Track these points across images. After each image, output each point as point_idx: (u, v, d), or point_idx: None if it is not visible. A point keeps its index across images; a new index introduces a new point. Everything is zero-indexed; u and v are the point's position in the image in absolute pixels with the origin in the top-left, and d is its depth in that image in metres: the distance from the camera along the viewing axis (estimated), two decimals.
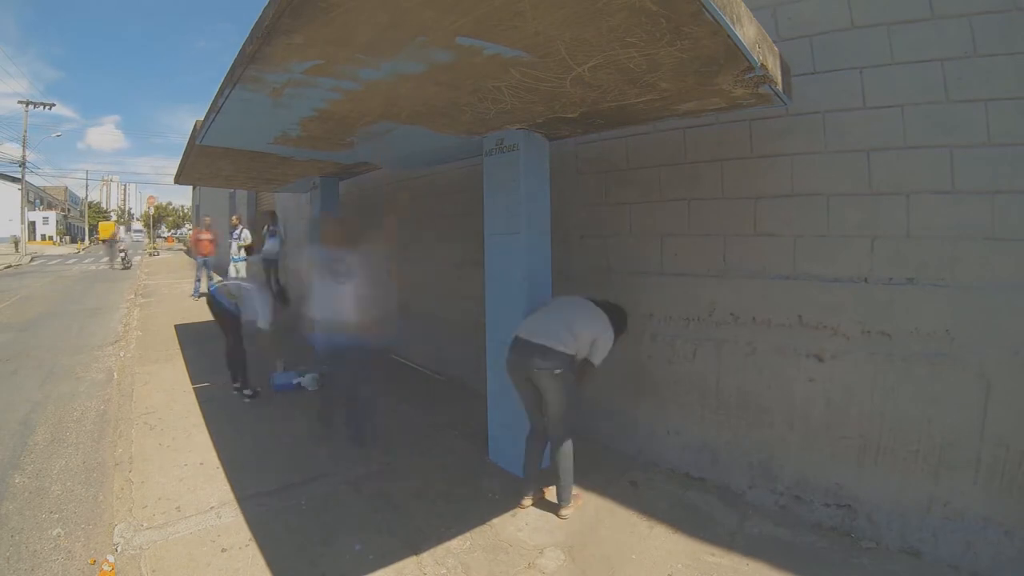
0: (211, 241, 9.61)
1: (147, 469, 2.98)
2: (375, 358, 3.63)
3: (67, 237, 44.54)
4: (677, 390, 3.03)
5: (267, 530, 2.40)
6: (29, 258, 21.99)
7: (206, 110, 2.62)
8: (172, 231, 55.42)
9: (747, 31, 1.70)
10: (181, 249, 31.83)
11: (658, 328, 3.10)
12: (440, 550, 2.28)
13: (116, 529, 2.40)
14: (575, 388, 2.45)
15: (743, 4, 1.68)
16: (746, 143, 2.73)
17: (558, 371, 2.34)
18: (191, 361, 5.26)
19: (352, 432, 3.40)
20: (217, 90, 2.31)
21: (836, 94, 2.45)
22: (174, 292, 10.91)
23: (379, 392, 4.27)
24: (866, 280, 2.39)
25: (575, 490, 2.57)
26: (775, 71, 1.98)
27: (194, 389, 4.40)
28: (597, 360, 2.49)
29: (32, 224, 35.40)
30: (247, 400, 4.14)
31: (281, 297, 4.37)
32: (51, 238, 39.87)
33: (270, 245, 8.32)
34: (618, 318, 2.61)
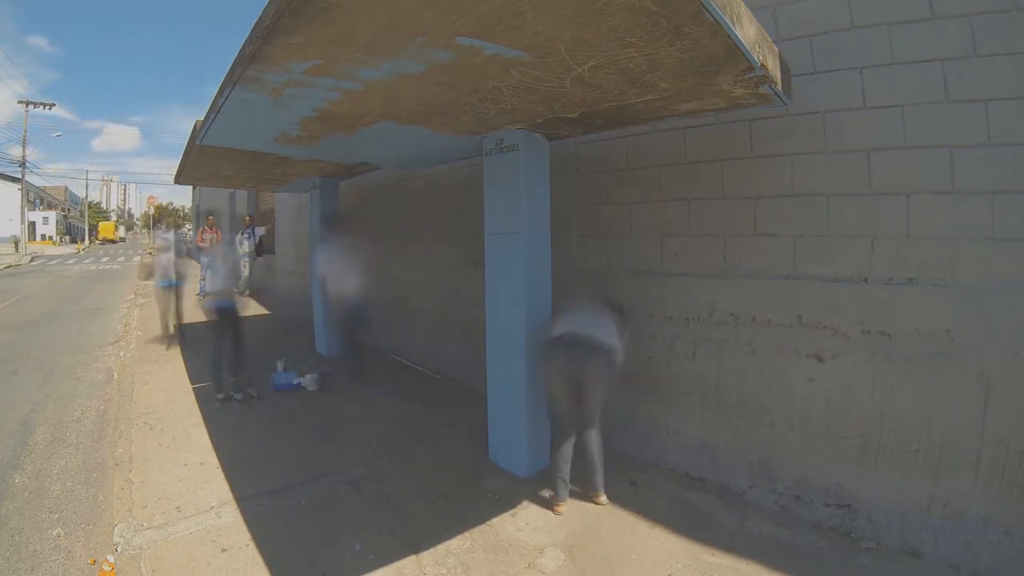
0: (215, 241, 9.70)
1: (147, 469, 2.98)
2: (374, 358, 3.68)
3: (67, 237, 44.54)
4: (677, 390, 3.03)
5: (267, 530, 2.40)
6: (29, 258, 22.00)
7: (206, 110, 2.63)
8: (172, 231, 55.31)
9: (747, 31, 1.70)
10: None
11: (658, 328, 3.10)
12: (440, 550, 2.28)
13: (116, 529, 2.40)
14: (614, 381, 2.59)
15: (743, 4, 1.68)
16: (746, 143, 2.73)
17: (614, 359, 2.47)
18: (191, 361, 5.26)
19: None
20: (217, 90, 2.31)
21: (836, 94, 2.45)
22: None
23: (379, 392, 4.28)
24: (866, 280, 2.39)
25: (571, 486, 2.64)
26: (775, 71, 1.98)
27: (194, 389, 4.40)
28: (622, 356, 2.58)
29: (32, 224, 35.40)
30: (237, 404, 4.08)
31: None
32: (51, 238, 39.87)
33: (247, 246, 9.75)
34: (626, 315, 2.76)
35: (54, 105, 27.08)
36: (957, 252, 2.19)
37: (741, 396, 2.77)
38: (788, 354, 2.60)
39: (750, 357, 2.74)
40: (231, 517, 2.51)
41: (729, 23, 1.57)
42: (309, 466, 3.03)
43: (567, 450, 2.59)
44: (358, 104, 2.41)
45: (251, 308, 8.42)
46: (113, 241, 46.61)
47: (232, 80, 2.06)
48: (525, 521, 2.50)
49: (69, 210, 50.92)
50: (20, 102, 26.14)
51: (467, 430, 3.54)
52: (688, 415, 2.98)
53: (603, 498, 2.64)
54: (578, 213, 3.53)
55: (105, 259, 23.75)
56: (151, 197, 36.81)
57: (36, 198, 41.13)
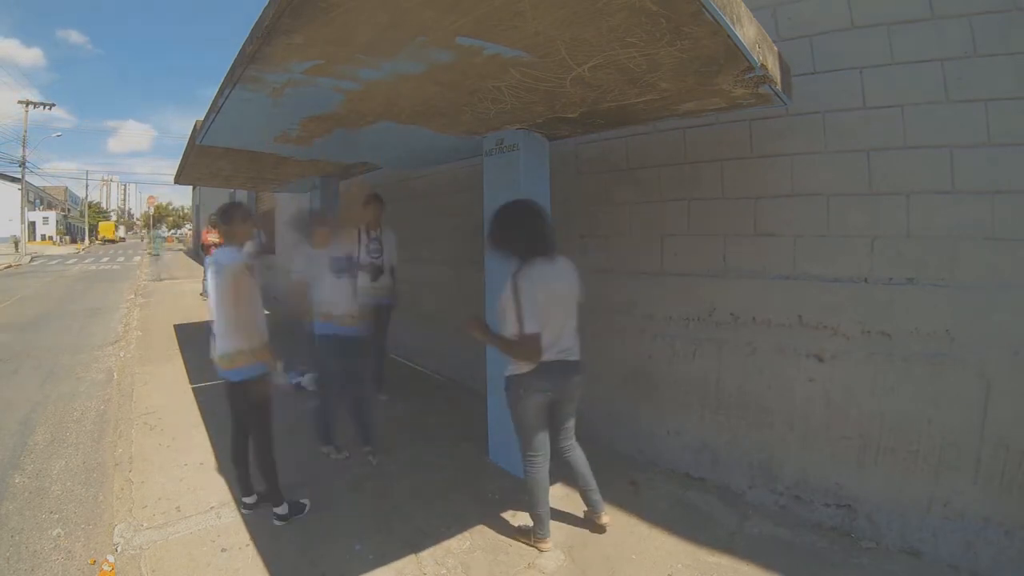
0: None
1: (147, 469, 2.98)
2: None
3: (67, 237, 44.57)
4: (677, 390, 3.03)
5: (267, 530, 2.40)
6: (29, 258, 22.01)
7: (206, 110, 2.63)
8: (172, 231, 55.46)
9: (747, 31, 1.70)
10: (180, 249, 31.86)
11: (658, 328, 3.10)
12: (440, 550, 2.28)
13: (116, 529, 2.40)
14: None
15: (743, 4, 1.68)
16: (746, 143, 2.73)
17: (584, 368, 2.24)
18: (191, 361, 5.25)
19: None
20: (217, 90, 2.31)
21: (836, 94, 2.45)
22: (173, 292, 10.92)
23: (379, 392, 4.27)
24: (866, 280, 2.39)
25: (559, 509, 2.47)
26: (775, 71, 1.98)
27: (194, 389, 4.40)
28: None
29: (32, 224, 35.44)
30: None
31: None
32: (51, 238, 39.92)
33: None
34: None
35: (54, 105, 27.13)
36: (957, 252, 2.18)
37: (741, 396, 2.77)
38: (788, 354, 2.60)
39: (750, 357, 2.73)
40: (231, 517, 2.51)
41: (729, 23, 1.57)
42: (309, 465, 3.03)
43: (545, 477, 2.24)
44: (358, 104, 2.41)
45: None
46: (113, 241, 46.69)
47: (232, 80, 2.06)
48: (525, 521, 2.50)
49: (69, 210, 50.96)
50: (20, 102, 26.18)
51: (467, 430, 3.54)
52: (688, 415, 2.98)
53: (606, 518, 2.39)
54: (578, 213, 3.53)
55: (105, 259, 23.76)
56: (151, 197, 36.84)
57: (36, 198, 41.16)
